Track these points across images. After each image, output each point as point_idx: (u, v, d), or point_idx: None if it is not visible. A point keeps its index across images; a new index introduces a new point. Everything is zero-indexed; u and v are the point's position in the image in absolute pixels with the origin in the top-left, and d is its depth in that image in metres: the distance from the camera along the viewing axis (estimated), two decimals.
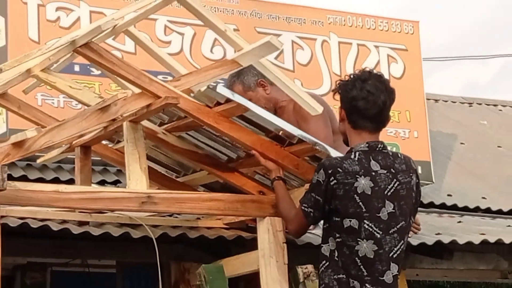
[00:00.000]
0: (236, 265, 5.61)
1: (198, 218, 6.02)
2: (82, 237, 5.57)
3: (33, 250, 5.95)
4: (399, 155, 4.81)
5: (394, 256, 4.64)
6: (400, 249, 4.68)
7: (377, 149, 4.72)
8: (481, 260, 6.99)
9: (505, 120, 12.08)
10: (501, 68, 46.46)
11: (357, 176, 4.60)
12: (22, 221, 5.37)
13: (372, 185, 4.61)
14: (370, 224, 4.60)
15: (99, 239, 5.63)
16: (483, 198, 8.98)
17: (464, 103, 12.35)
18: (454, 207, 8.60)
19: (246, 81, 6.18)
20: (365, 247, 4.59)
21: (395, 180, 4.68)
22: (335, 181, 4.59)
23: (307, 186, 5.32)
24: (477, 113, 12.08)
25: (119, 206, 5.35)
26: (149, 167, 5.54)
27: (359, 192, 4.59)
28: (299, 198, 5.10)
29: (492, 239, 6.63)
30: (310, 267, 5.61)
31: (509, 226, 7.86)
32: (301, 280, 5.58)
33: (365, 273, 4.60)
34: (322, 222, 5.04)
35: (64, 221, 5.59)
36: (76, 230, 5.53)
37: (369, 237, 4.59)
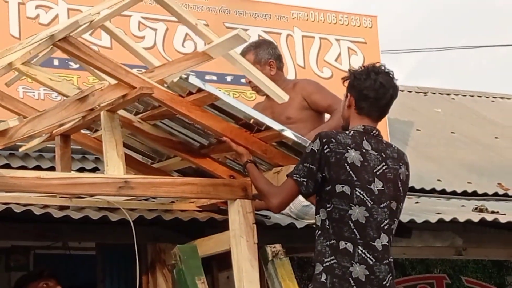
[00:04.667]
0: (209, 245, 5.61)
1: (173, 202, 6.00)
2: (63, 220, 5.52)
3: (17, 234, 5.90)
4: (393, 146, 4.99)
5: (385, 227, 4.73)
6: (389, 223, 4.76)
7: (372, 133, 4.86)
8: (438, 237, 7.02)
9: (457, 107, 12.13)
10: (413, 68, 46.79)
11: (348, 148, 4.71)
12: (6, 206, 5.33)
13: (362, 159, 4.73)
14: (361, 192, 4.69)
15: (79, 222, 5.57)
16: (438, 180, 9.01)
17: (419, 92, 12.38)
18: (412, 189, 8.57)
19: (260, 55, 6.25)
20: (358, 212, 4.67)
21: (384, 163, 4.80)
22: (328, 149, 4.69)
23: (275, 169, 5.39)
24: (431, 102, 12.11)
25: (97, 191, 5.36)
26: (125, 154, 5.53)
27: (349, 162, 4.68)
28: (270, 179, 5.22)
29: (447, 218, 6.65)
30: (278, 246, 5.61)
31: (463, 206, 7.90)
32: (270, 258, 5.58)
33: (358, 236, 4.65)
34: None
35: (45, 206, 5.55)
36: (57, 214, 5.48)
37: (361, 204, 4.68)
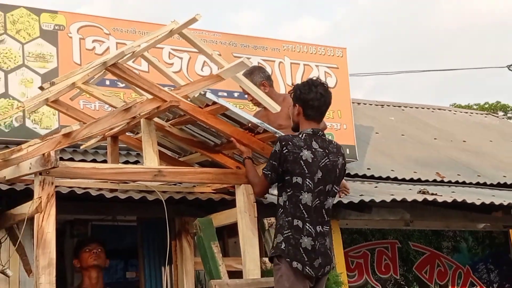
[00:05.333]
0: (221, 218, 5.60)
1: (194, 186, 5.96)
2: (113, 200, 5.55)
3: (78, 210, 5.89)
4: (333, 142, 4.95)
5: (325, 207, 4.78)
6: (326, 203, 4.79)
7: (318, 134, 4.85)
8: (391, 213, 7.02)
9: (406, 116, 12.09)
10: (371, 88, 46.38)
11: (302, 148, 4.73)
12: (70, 189, 5.32)
13: (312, 156, 4.74)
14: (310, 182, 4.70)
15: (125, 201, 5.59)
16: (392, 170, 8.99)
17: (378, 105, 12.33)
18: (372, 177, 8.59)
19: (254, 79, 6.18)
20: (306, 197, 4.69)
21: (326, 157, 4.80)
22: (286, 150, 4.72)
23: None
24: (386, 112, 12.07)
25: (138, 178, 5.38)
26: (159, 150, 5.52)
27: (303, 159, 4.70)
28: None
29: (398, 198, 6.67)
30: (272, 219, 5.59)
31: (410, 189, 7.90)
32: (266, 228, 5.59)
33: (306, 215, 4.69)
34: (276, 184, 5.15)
35: (100, 189, 5.54)
36: (108, 195, 5.51)
37: (309, 191, 4.70)
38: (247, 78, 6.13)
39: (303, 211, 4.69)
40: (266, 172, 4.84)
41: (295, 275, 4.62)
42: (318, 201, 4.73)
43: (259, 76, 6.25)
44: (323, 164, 4.76)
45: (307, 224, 4.68)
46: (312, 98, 4.84)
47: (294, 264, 4.61)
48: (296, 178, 4.71)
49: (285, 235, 4.68)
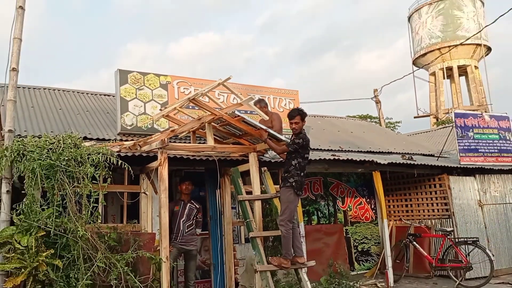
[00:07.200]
0: (243, 167, 5.49)
1: (230, 153, 5.83)
2: (193, 159, 5.41)
3: (178, 164, 5.74)
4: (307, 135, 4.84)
5: (306, 167, 4.71)
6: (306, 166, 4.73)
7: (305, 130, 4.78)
8: (319, 164, 6.87)
9: (326, 122, 11.84)
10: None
11: (307, 139, 4.66)
12: (174, 155, 5.23)
13: (308, 141, 4.67)
14: (307, 155, 4.66)
15: (199, 160, 5.49)
16: (319, 145, 8.80)
17: (312, 116, 12.11)
18: (312, 149, 8.42)
19: (261, 104, 6.01)
20: (305, 163, 4.66)
21: (309, 141, 4.74)
22: (304, 142, 4.63)
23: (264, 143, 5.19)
24: (316, 119, 11.86)
25: (205, 150, 5.27)
26: (214, 138, 5.39)
27: (308, 145, 4.64)
28: (262, 148, 5.11)
29: (322, 157, 6.58)
30: (266, 168, 5.52)
31: (327, 154, 7.72)
32: (263, 172, 5.49)
33: (304, 170, 4.68)
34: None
35: (187, 155, 5.41)
36: (191, 157, 5.37)
37: (306, 159, 4.66)
38: (257, 103, 6.02)
39: (303, 169, 4.66)
40: (290, 148, 4.69)
41: (296, 196, 4.62)
42: (306, 163, 4.70)
43: (263, 103, 6.13)
44: (309, 145, 4.72)
45: (304, 174, 4.66)
46: (306, 115, 4.79)
47: (299, 192, 4.60)
48: (305, 154, 4.65)
49: (295, 178, 4.61)
